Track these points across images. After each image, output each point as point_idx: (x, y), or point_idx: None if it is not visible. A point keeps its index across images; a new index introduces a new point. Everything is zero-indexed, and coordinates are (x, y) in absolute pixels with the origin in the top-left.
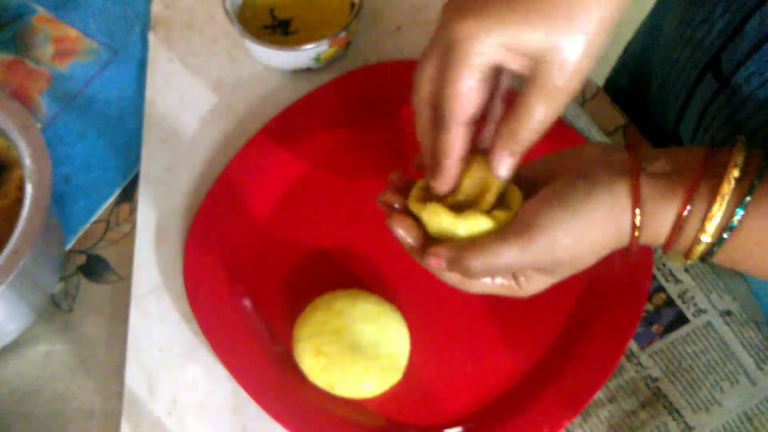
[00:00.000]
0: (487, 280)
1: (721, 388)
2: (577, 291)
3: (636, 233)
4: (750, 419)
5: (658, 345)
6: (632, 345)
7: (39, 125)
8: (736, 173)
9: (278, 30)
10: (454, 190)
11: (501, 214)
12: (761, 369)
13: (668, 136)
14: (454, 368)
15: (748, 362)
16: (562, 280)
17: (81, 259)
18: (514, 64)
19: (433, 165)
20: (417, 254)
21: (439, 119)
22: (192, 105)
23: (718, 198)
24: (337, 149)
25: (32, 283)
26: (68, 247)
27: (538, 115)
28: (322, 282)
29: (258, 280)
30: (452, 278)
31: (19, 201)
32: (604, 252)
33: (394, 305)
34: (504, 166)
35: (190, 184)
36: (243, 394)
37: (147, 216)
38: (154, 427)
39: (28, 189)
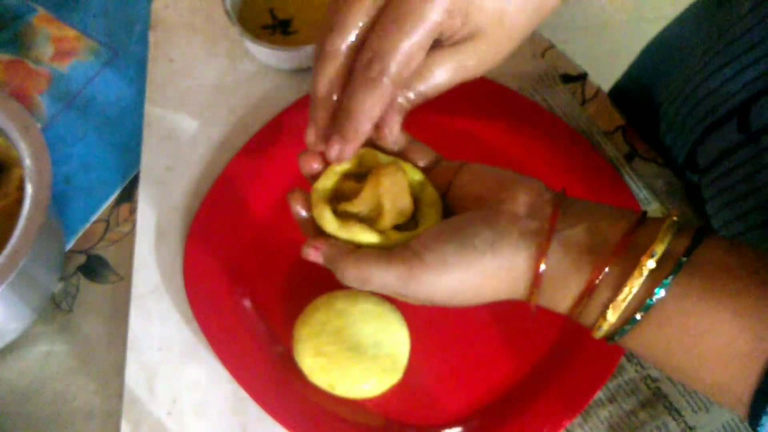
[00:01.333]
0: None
1: None
2: None
3: (533, 298)
4: None
5: None
6: None
7: (39, 125)
8: (659, 249)
9: (278, 30)
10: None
11: (394, 234)
12: None
13: (682, 166)
14: (454, 368)
15: None
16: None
17: (81, 259)
18: (453, 29)
19: (340, 123)
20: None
21: (361, 78)
22: (192, 105)
23: (636, 272)
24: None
25: (32, 283)
26: (68, 247)
27: (444, 81)
28: (322, 282)
29: (258, 280)
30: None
31: (19, 201)
32: (492, 299)
33: (394, 305)
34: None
35: (190, 184)
36: (243, 394)
37: (147, 216)
38: (154, 427)
39: (28, 189)
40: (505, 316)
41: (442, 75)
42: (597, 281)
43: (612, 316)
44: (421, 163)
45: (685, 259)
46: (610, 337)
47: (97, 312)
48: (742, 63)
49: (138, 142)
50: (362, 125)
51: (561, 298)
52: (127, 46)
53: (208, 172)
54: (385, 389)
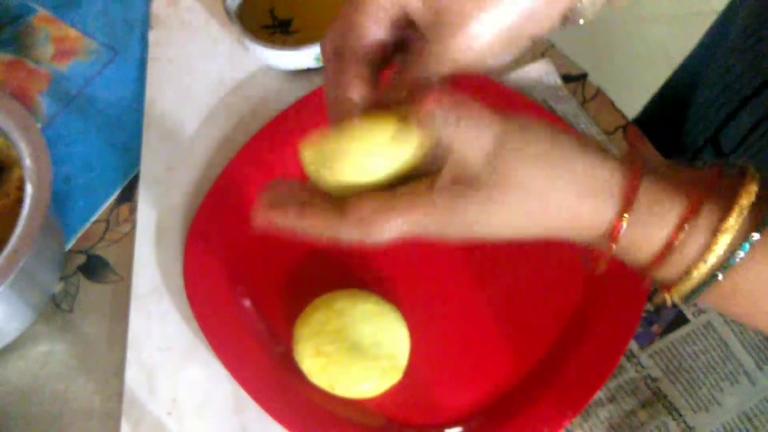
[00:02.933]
0: (393, 216)
1: (720, 388)
2: (578, 291)
3: (621, 225)
4: (750, 419)
5: (658, 345)
6: (632, 345)
7: (39, 125)
8: (746, 201)
9: (278, 30)
10: None
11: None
12: (761, 369)
13: (702, 144)
14: (454, 368)
15: (748, 362)
16: (489, 230)
17: (81, 259)
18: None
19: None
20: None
21: (338, 57)
22: (192, 105)
23: (723, 227)
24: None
25: (32, 283)
26: (68, 247)
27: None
28: (322, 282)
29: (258, 280)
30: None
31: (19, 201)
32: (561, 229)
33: (394, 305)
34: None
35: (190, 184)
36: (243, 395)
37: (147, 216)
38: (154, 427)
39: (28, 189)
40: (506, 317)
41: (488, 30)
42: (688, 225)
43: (699, 272)
44: None
45: None
46: (688, 296)
47: (97, 312)
48: None
49: (138, 142)
50: (339, 113)
51: (646, 239)
52: (127, 46)
53: (208, 172)
54: (385, 389)
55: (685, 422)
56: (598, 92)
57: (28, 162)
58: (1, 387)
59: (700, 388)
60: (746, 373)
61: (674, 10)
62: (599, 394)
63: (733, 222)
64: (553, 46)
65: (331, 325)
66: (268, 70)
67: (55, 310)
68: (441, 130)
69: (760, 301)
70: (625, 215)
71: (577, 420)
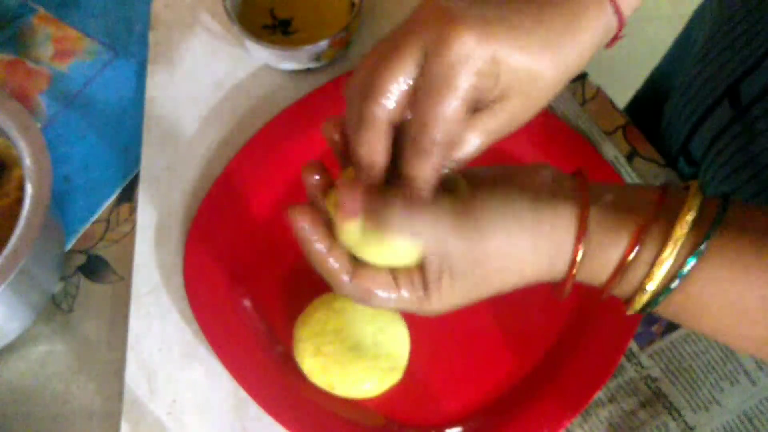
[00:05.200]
0: (388, 294)
1: (721, 388)
2: (578, 290)
3: (574, 269)
4: (750, 419)
5: (658, 345)
6: (632, 345)
7: (39, 125)
8: (690, 217)
9: (278, 30)
10: None
11: None
12: (761, 369)
13: (676, 154)
14: (454, 368)
15: (748, 362)
16: (471, 301)
17: (81, 259)
18: (487, 93)
19: (405, 192)
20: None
21: (413, 150)
22: (192, 105)
23: (670, 242)
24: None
25: (32, 283)
26: (68, 247)
27: (477, 144)
28: (322, 282)
29: (258, 280)
30: (347, 285)
31: (19, 201)
32: (530, 277)
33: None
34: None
35: (190, 184)
36: (243, 394)
37: (147, 216)
38: (154, 427)
39: (28, 189)
40: (506, 317)
41: (476, 141)
42: (641, 238)
43: (652, 284)
44: None
45: (722, 214)
46: (644, 308)
47: (97, 312)
48: (738, 45)
49: (138, 142)
50: (423, 191)
51: (599, 269)
52: (127, 46)
53: (208, 172)
54: (385, 389)
55: (685, 422)
56: (598, 92)
57: (28, 162)
58: (1, 387)
59: (700, 388)
60: (746, 373)
61: (674, 10)
62: (599, 394)
63: (678, 237)
64: None
65: (331, 325)
66: (268, 70)
67: (55, 310)
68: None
69: (710, 309)
70: (575, 267)
71: (577, 420)
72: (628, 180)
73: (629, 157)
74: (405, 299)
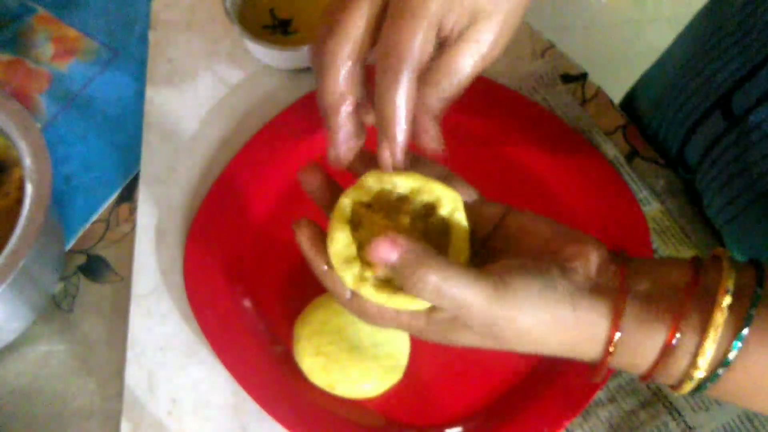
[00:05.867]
0: (389, 315)
1: None
2: None
3: (607, 360)
4: (750, 419)
5: None
6: None
7: (39, 125)
8: (727, 301)
9: (278, 30)
10: None
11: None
12: None
13: (674, 160)
14: (454, 368)
15: None
16: (477, 348)
17: (81, 259)
18: (453, 17)
19: (382, 128)
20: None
21: (383, 75)
22: (192, 105)
23: (711, 330)
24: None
25: (32, 283)
26: (68, 247)
27: (468, 69)
28: None
29: (258, 280)
30: (365, 307)
31: (19, 201)
32: (564, 354)
33: None
34: (428, 130)
35: (190, 184)
36: (243, 394)
37: (147, 216)
38: (154, 427)
39: (28, 189)
40: None
41: (463, 67)
42: (676, 337)
43: (700, 372)
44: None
45: (759, 290)
46: (692, 392)
47: (97, 312)
48: (729, 56)
49: (138, 142)
50: (402, 121)
51: (638, 360)
52: (127, 46)
53: (208, 172)
54: (385, 389)
55: (685, 422)
56: (598, 92)
57: (28, 162)
58: (1, 387)
59: None
60: None
61: (674, 11)
62: (599, 394)
63: (718, 324)
64: (553, 46)
65: (331, 325)
66: (268, 70)
67: (55, 310)
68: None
69: (761, 388)
70: (609, 359)
71: (577, 420)
72: (628, 180)
73: (629, 157)
74: (404, 323)
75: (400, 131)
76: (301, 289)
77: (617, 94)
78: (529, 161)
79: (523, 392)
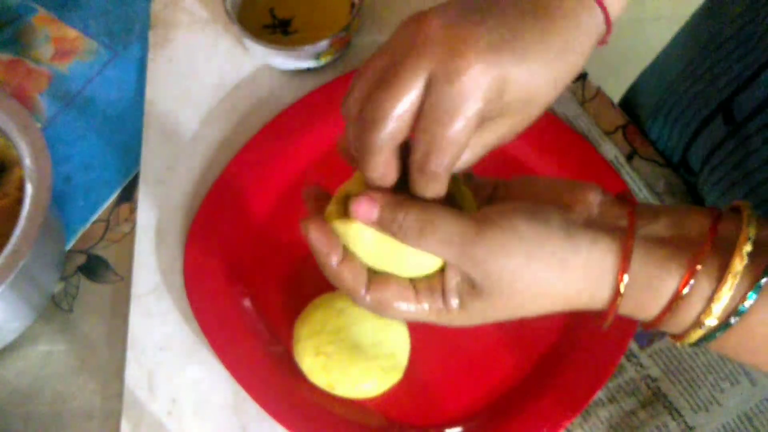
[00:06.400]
0: (407, 305)
1: (721, 388)
2: None
3: (617, 302)
4: (750, 419)
5: (658, 345)
6: (632, 345)
7: (39, 125)
8: (747, 248)
9: (278, 30)
10: None
11: None
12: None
13: (677, 163)
14: (454, 368)
15: None
16: (498, 320)
17: (81, 259)
18: (495, 104)
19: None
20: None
21: (423, 168)
22: (192, 105)
23: (729, 277)
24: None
25: (32, 283)
26: (68, 247)
27: (479, 149)
28: (322, 282)
29: (258, 280)
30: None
31: (19, 201)
32: (563, 305)
33: None
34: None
35: (190, 184)
36: (243, 394)
37: (147, 216)
38: (154, 427)
39: (28, 189)
40: None
41: (480, 149)
42: (690, 282)
43: (711, 320)
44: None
45: None
46: (698, 341)
47: (97, 312)
48: (729, 61)
49: (138, 142)
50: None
51: (648, 303)
52: (127, 46)
53: (208, 172)
54: (385, 389)
55: (685, 422)
56: (598, 92)
57: (28, 162)
58: (1, 387)
59: (700, 388)
60: (746, 373)
61: (674, 11)
62: (599, 394)
63: (736, 271)
64: None
65: (331, 325)
66: (268, 70)
67: (55, 310)
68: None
69: (751, 359)
70: (618, 301)
71: (577, 420)
72: (628, 180)
73: (629, 157)
74: (425, 311)
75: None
76: (301, 289)
77: (617, 94)
78: (529, 161)
79: (523, 392)
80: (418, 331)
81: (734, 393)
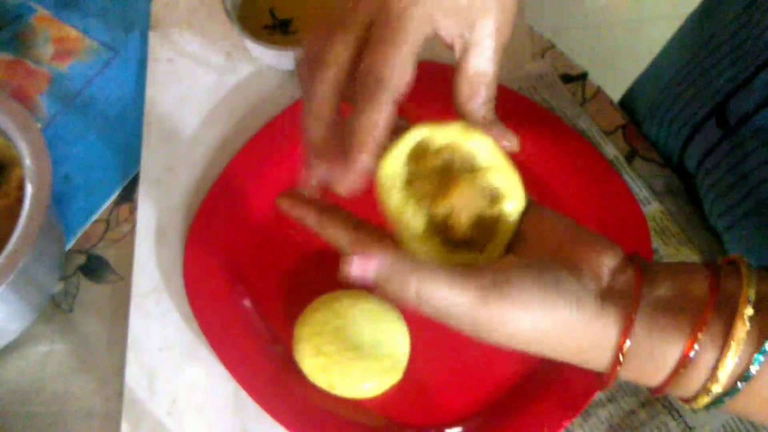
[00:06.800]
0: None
1: None
2: None
3: (618, 367)
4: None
5: None
6: None
7: (39, 125)
8: (749, 311)
9: (278, 30)
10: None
11: (459, 254)
12: None
13: (675, 165)
14: (454, 368)
15: None
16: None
17: (81, 259)
18: (446, 30)
19: (347, 141)
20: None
21: (361, 96)
22: (192, 105)
23: (733, 343)
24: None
25: (32, 283)
26: (68, 247)
27: (488, 69)
28: (322, 282)
29: (258, 280)
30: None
31: (19, 201)
32: (570, 360)
33: (394, 305)
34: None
35: (190, 184)
36: (243, 394)
37: (147, 216)
38: (154, 427)
39: (28, 189)
40: None
41: (484, 69)
42: (693, 351)
43: (717, 387)
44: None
45: None
46: (708, 407)
47: (97, 312)
48: (723, 65)
49: (138, 142)
50: (369, 146)
51: (650, 373)
52: (127, 46)
53: (208, 172)
54: (385, 389)
55: (685, 422)
56: (598, 92)
57: (28, 162)
58: (1, 387)
59: None
60: None
61: (674, 11)
62: (599, 394)
63: (740, 337)
64: (553, 46)
65: (331, 325)
66: (268, 70)
67: (55, 310)
68: None
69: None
70: (617, 368)
71: (577, 420)
72: (628, 180)
73: (629, 157)
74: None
75: (365, 155)
76: (301, 289)
77: (617, 94)
78: (529, 161)
79: (523, 392)
80: (418, 331)
81: None
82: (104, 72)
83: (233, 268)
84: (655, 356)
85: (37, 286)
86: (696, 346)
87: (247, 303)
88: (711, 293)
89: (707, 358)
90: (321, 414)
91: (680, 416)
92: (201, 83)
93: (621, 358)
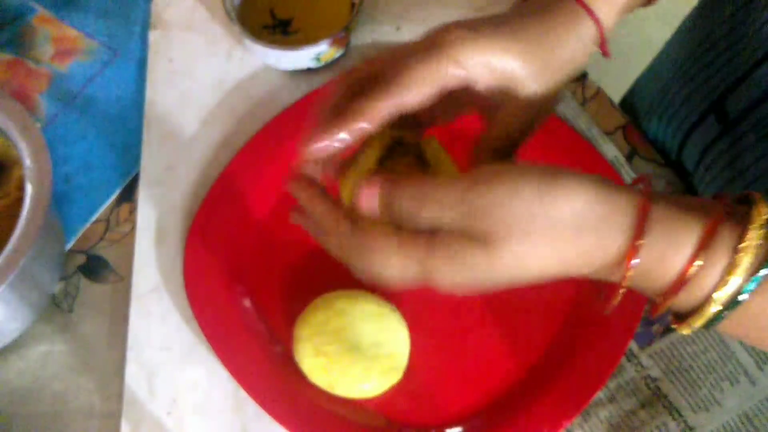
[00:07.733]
0: (388, 251)
1: (721, 388)
2: (578, 288)
3: (631, 260)
4: (750, 419)
5: (658, 345)
6: (632, 345)
7: (39, 125)
8: (761, 221)
9: (278, 30)
10: None
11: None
12: (761, 369)
13: (673, 162)
14: (454, 368)
15: (748, 362)
16: (492, 283)
17: (81, 259)
18: (484, 82)
19: (337, 119)
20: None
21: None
22: (192, 105)
23: (746, 247)
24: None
25: (32, 283)
26: (68, 247)
27: (514, 126)
28: (322, 282)
29: (258, 280)
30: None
31: (19, 201)
32: (571, 266)
33: (394, 305)
34: None
35: (190, 184)
36: (243, 394)
37: (147, 216)
38: (154, 427)
39: (28, 189)
40: (506, 316)
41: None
42: (706, 248)
43: (722, 292)
44: None
45: None
46: (708, 322)
47: (97, 312)
48: (721, 61)
49: (138, 142)
50: (357, 122)
51: (663, 270)
52: (127, 46)
53: (208, 172)
54: (385, 389)
55: (685, 422)
56: (598, 92)
57: (28, 162)
58: (1, 387)
59: (700, 388)
60: (746, 373)
61: (674, 10)
62: (599, 394)
63: (751, 242)
64: None
65: (331, 325)
66: (268, 70)
67: (55, 310)
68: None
69: (759, 338)
70: (638, 242)
71: (577, 420)
72: (628, 180)
73: (629, 157)
74: (407, 261)
75: (344, 132)
76: (301, 289)
77: (617, 94)
78: (529, 161)
79: (523, 392)
80: (418, 331)
81: (734, 393)
82: (104, 72)
83: (233, 268)
84: (665, 256)
85: (37, 286)
86: (703, 253)
87: (247, 303)
88: (723, 203)
89: (716, 265)
90: (321, 414)
91: (680, 416)
92: (201, 83)
93: (640, 242)
